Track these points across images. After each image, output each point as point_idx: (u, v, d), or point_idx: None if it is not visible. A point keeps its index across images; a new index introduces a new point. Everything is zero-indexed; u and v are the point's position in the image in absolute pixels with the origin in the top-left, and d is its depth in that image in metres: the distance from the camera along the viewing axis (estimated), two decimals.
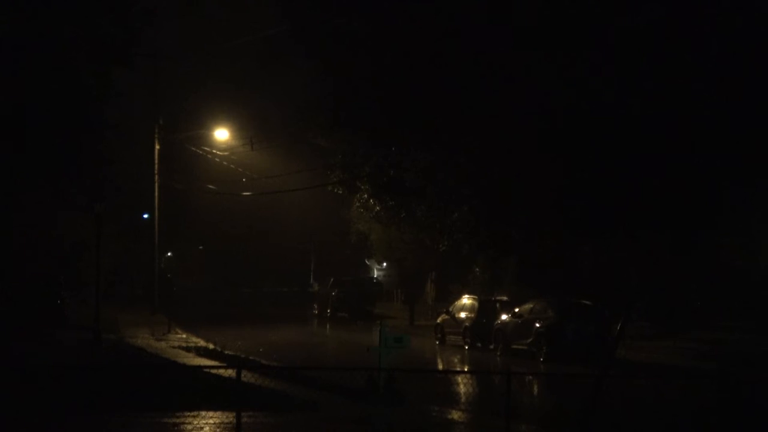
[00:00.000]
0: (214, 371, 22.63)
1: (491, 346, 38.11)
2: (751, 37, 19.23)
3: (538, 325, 35.18)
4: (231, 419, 16.82)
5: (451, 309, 42.57)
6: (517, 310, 37.36)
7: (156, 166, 51.48)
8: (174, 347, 34.41)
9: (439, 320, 43.24)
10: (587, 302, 36.07)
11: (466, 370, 33.28)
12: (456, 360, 36.00)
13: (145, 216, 59.38)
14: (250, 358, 31.27)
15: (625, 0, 19.79)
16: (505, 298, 42.35)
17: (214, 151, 54.06)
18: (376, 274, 71.58)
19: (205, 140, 54.40)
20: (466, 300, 42.28)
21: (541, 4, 19.97)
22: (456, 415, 21.26)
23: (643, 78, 19.71)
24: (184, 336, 39.73)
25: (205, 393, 19.61)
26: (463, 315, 41.06)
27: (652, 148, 20.34)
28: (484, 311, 40.18)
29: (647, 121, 20.06)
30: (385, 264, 67.34)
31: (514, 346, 36.24)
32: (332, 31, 23.22)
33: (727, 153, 20.53)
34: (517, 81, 20.54)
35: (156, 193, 51.54)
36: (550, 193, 21.87)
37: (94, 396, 18.92)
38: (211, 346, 34.57)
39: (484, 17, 20.46)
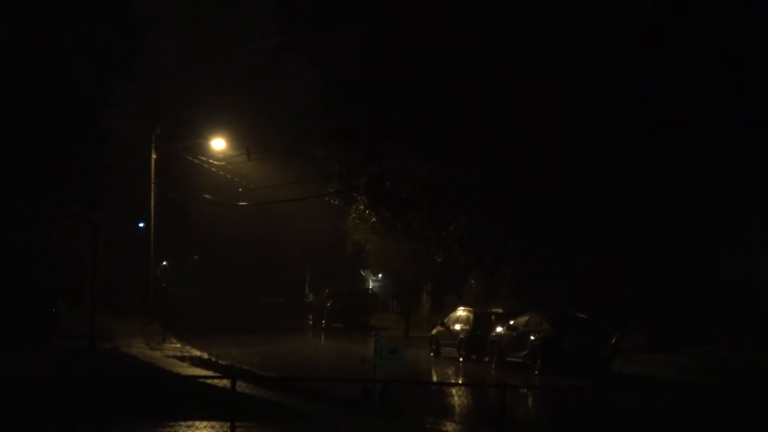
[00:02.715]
0: (208, 381, 22.59)
1: (486, 359, 38.06)
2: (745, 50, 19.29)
3: (533, 337, 35.15)
4: (225, 429, 16.80)
5: (446, 321, 42.54)
6: (512, 322, 37.33)
7: (152, 176, 51.45)
8: (169, 357, 34.37)
9: (434, 332, 43.21)
10: (583, 315, 36.06)
11: (460, 382, 33.26)
12: (451, 372, 35.97)
13: (141, 225, 59.33)
14: (245, 368, 31.22)
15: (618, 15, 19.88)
16: (500, 311, 42.31)
17: (211, 160, 54.03)
18: (371, 285, 71.53)
19: (203, 150, 54.37)
20: (461, 312, 42.25)
21: (536, 25, 20.06)
22: (450, 426, 21.23)
23: (638, 94, 19.77)
24: (178, 345, 39.67)
25: (199, 403, 19.57)
26: (458, 327, 41.03)
27: (648, 164, 20.40)
28: (480, 323, 40.15)
29: (643, 138, 20.13)
30: (380, 275, 67.31)
31: (509, 359, 36.20)
32: (330, 44, 23.28)
33: (723, 168, 20.60)
34: (514, 99, 20.61)
35: (152, 203, 51.51)
36: (547, 206, 21.92)
37: (87, 404, 18.89)
38: (206, 356, 34.53)
39: (482, 39, 20.54)
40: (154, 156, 51.54)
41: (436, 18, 21.05)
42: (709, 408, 22.18)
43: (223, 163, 54.05)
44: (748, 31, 19.60)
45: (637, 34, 19.96)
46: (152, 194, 51.45)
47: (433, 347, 42.33)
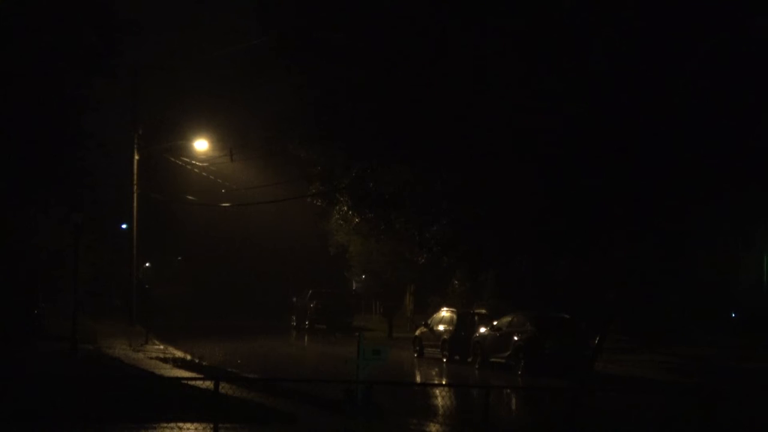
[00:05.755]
0: (191, 383, 22.54)
1: (469, 359, 38.09)
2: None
3: (516, 338, 35.20)
4: (208, 431, 16.76)
5: (429, 322, 42.54)
6: (495, 323, 37.36)
7: (134, 177, 51.35)
8: (151, 358, 34.26)
9: (417, 333, 43.20)
10: (565, 315, 36.14)
11: (444, 383, 33.27)
12: (434, 373, 35.98)
13: (124, 226, 59.17)
14: (228, 369, 31.17)
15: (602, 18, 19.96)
16: (483, 311, 42.33)
17: (194, 162, 53.94)
18: (354, 286, 71.50)
19: (185, 151, 54.27)
20: (444, 313, 42.26)
21: (521, 26, 20.12)
22: (434, 428, 21.25)
23: (619, 101, 19.87)
24: (161, 347, 39.56)
25: (182, 404, 19.53)
26: (441, 328, 41.03)
27: (627, 169, 20.51)
28: (463, 324, 40.16)
29: (624, 146, 20.25)
30: (363, 276, 67.33)
31: (493, 360, 36.25)
32: (314, 44, 23.28)
33: (703, 173, 20.74)
34: (497, 101, 20.67)
35: (134, 204, 51.41)
36: (529, 208, 21.97)
37: (68, 407, 18.82)
38: (189, 358, 34.44)
39: (466, 40, 20.59)
40: (136, 157, 51.44)
41: (421, 23, 21.09)
42: (691, 408, 22.24)
43: (205, 164, 53.98)
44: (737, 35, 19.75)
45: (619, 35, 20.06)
46: (134, 195, 51.34)
47: (417, 348, 42.33)
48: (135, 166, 51.41)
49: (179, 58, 66.56)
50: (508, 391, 28.34)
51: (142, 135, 52.13)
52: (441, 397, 25.67)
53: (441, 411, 23.67)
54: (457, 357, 39.41)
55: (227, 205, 57.00)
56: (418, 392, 26.50)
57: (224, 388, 17.50)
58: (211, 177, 55.12)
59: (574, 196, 21.27)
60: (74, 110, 31.24)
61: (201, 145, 52.87)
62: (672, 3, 19.99)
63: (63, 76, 30.25)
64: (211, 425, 15.96)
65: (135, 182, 51.32)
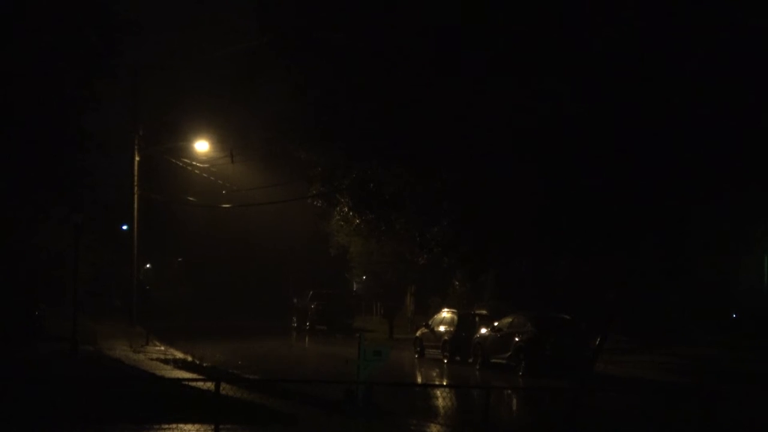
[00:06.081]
0: (192, 384, 22.53)
1: (470, 360, 38.11)
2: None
3: (517, 339, 35.22)
4: None
5: (430, 322, 42.55)
6: (496, 323, 37.39)
7: (135, 178, 51.34)
8: (152, 359, 34.26)
9: (418, 334, 43.22)
10: (566, 316, 36.16)
11: (445, 383, 33.28)
12: (435, 373, 35.99)
13: (124, 227, 59.16)
14: (229, 370, 31.17)
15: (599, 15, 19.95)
16: (484, 312, 42.37)
17: (195, 162, 53.93)
18: (355, 287, 71.50)
19: (186, 152, 54.27)
20: (445, 313, 42.28)
21: (517, 27, 20.11)
22: (434, 428, 21.25)
23: (619, 101, 19.86)
24: (162, 348, 39.56)
25: (183, 405, 19.53)
26: (442, 328, 41.05)
27: (627, 168, 20.51)
28: (463, 325, 40.19)
29: (624, 146, 20.25)
30: (364, 277, 67.34)
31: (493, 360, 36.27)
32: (314, 44, 23.27)
33: (703, 173, 20.74)
34: (497, 101, 20.65)
35: (135, 205, 51.40)
36: (529, 208, 21.96)
37: (69, 408, 18.81)
38: (190, 359, 34.42)
39: (464, 39, 20.58)
40: (136, 158, 51.43)
41: (421, 23, 21.09)
42: (691, 408, 22.25)
43: (206, 165, 53.97)
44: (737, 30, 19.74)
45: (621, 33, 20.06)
46: (135, 196, 51.32)
47: (418, 349, 42.34)
48: (135, 167, 51.40)
49: (179, 58, 66.59)
50: (509, 391, 28.36)
51: (142, 136, 52.11)
52: (442, 398, 25.67)
53: (441, 411, 23.67)
54: (457, 358, 39.42)
55: (228, 206, 57.01)
56: (419, 393, 26.50)
57: (225, 389, 17.53)
58: (211, 178, 55.12)
59: (574, 196, 21.24)
60: (74, 110, 31.23)
61: (201, 146, 52.87)
62: (672, 3, 19.98)
63: (63, 76, 30.23)
64: (212, 426, 15.95)
65: (135, 183, 51.30)
